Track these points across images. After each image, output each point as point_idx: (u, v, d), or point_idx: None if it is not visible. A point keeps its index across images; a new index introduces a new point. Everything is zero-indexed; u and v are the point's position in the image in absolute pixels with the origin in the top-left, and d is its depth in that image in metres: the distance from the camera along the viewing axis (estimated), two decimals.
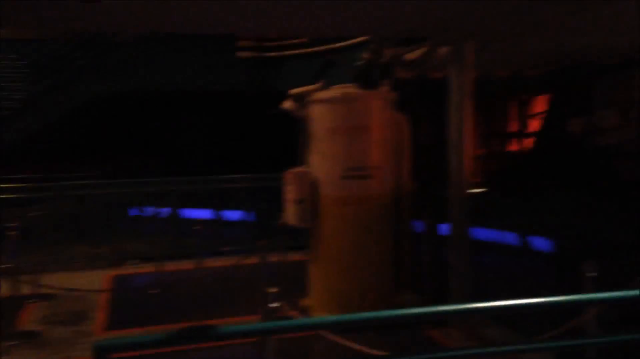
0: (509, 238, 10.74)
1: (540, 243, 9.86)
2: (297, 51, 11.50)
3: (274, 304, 3.39)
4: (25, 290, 7.12)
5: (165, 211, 8.75)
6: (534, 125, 15.35)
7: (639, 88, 10.15)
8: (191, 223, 8.33)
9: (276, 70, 11.83)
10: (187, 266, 8.53)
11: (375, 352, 4.26)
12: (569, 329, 4.51)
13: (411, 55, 7.37)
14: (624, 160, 10.13)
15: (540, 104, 15.26)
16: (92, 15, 4.98)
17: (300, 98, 6.54)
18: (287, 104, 6.53)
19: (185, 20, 5.40)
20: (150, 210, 8.75)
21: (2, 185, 8.43)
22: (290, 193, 6.29)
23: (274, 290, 3.43)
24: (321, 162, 6.31)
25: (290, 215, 6.27)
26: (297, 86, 6.78)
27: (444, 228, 6.91)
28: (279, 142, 11.29)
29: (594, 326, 4.08)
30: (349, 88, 6.42)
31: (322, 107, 6.31)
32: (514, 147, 16.47)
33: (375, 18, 5.45)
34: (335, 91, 6.38)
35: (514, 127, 16.64)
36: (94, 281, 7.90)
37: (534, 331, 4.90)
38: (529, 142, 15.47)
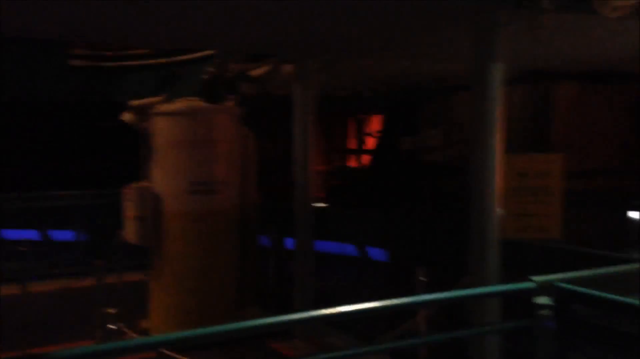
0: (349, 249, 11.22)
1: (377, 253, 10.44)
2: (137, 62, 11.07)
3: (112, 326, 3.22)
4: None
5: None
6: (371, 142, 16.34)
7: (460, 111, 11.27)
8: (15, 244, 7.59)
9: (115, 81, 11.26)
10: (10, 291, 7.74)
11: None
12: (405, 329, 4.83)
13: (256, 72, 7.50)
14: (449, 176, 11.15)
15: (376, 123, 16.30)
16: None
17: (141, 111, 6.31)
18: (127, 116, 6.26)
19: (11, 23, 4.96)
20: None
21: None
22: (130, 209, 6.01)
23: (111, 311, 3.26)
24: (164, 176, 6.13)
25: (131, 232, 6.00)
26: (139, 98, 6.54)
27: (290, 242, 7.08)
28: (118, 156, 10.77)
29: (424, 326, 4.42)
30: (194, 102, 6.34)
31: (166, 120, 6.16)
32: (353, 163, 17.38)
33: (218, 32, 5.45)
34: (179, 104, 6.26)
35: (352, 144, 17.57)
36: None
37: (374, 334, 5.19)
38: (366, 159, 16.43)
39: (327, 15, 4.78)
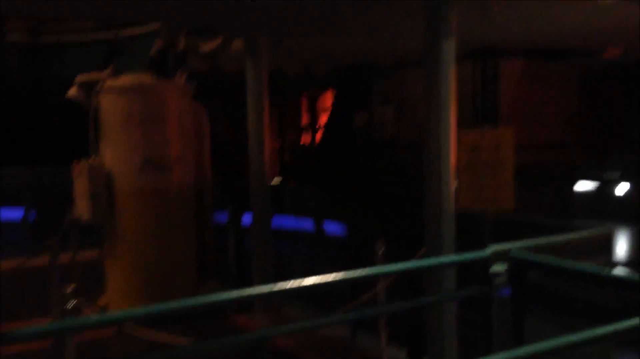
0: (305, 224, 11.27)
1: (333, 228, 10.53)
2: (80, 36, 10.65)
3: (71, 303, 3.15)
4: None
5: None
6: (324, 118, 16.36)
7: (412, 87, 11.39)
8: None
9: (57, 56, 10.81)
10: None
11: (181, 341, 4.20)
12: (364, 301, 4.92)
13: (206, 46, 7.34)
14: (402, 151, 11.31)
15: (329, 100, 16.30)
16: None
17: (88, 86, 6.10)
18: (73, 92, 6.04)
19: None
20: None
21: None
22: (81, 186, 5.84)
23: (68, 288, 3.19)
24: (116, 154, 5.97)
25: (83, 210, 5.84)
26: (80, 73, 6.30)
27: (246, 218, 7.05)
28: (64, 134, 10.39)
29: (383, 298, 4.51)
30: (143, 76, 6.17)
31: (115, 96, 5.98)
32: (306, 139, 17.37)
33: (163, 4, 5.27)
34: (128, 79, 6.08)
35: (305, 120, 17.54)
36: None
37: (334, 307, 5.27)
38: (319, 135, 16.44)
39: None
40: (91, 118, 6.03)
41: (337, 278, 3.21)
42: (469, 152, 4.26)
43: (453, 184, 4.48)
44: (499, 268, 3.24)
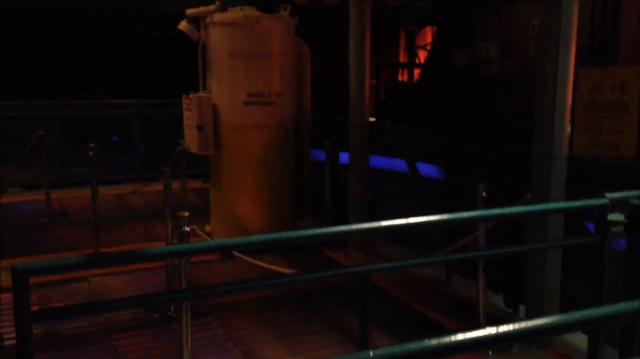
0: (399, 165, 11.15)
1: (428, 170, 10.35)
2: None
3: (187, 228, 3.35)
4: None
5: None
6: (422, 56, 15.86)
7: (517, 23, 10.74)
8: (79, 150, 7.88)
9: None
10: (78, 195, 8.17)
11: (284, 270, 4.39)
12: (462, 245, 4.87)
13: None
14: (505, 90, 10.82)
15: (428, 36, 15.75)
16: None
17: (197, 20, 6.23)
18: (183, 25, 6.19)
19: None
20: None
21: None
22: (189, 119, 6.09)
23: (185, 213, 3.38)
24: (221, 87, 6.13)
25: (191, 141, 6.10)
26: (184, 7, 6.43)
27: (343, 157, 7.09)
28: (171, 67, 10.79)
29: (483, 242, 4.43)
30: (249, 11, 6.20)
31: (221, 30, 6.07)
32: (403, 77, 16.99)
33: None
34: (234, 13, 6.13)
35: (403, 57, 17.09)
36: None
37: (429, 250, 5.27)
38: (417, 73, 16.01)
39: None
40: (199, 52, 6.18)
41: (436, 220, 3.14)
42: (589, 92, 3.99)
43: (568, 127, 4.25)
44: (617, 216, 3.08)
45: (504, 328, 1.57)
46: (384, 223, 2.98)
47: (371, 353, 1.45)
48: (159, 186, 4.86)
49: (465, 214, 3.21)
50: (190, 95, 6.07)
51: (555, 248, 4.23)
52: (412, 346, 1.47)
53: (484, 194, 4.43)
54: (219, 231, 6.37)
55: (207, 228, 6.48)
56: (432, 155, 8.78)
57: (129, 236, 6.74)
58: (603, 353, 3.23)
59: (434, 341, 1.49)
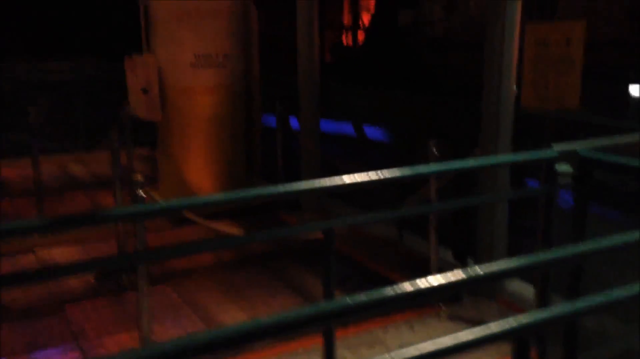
0: (346, 128, 11.17)
1: (375, 132, 10.41)
2: None
3: (140, 192, 3.28)
4: None
5: None
6: (366, 17, 15.81)
7: None
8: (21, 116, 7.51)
9: None
10: (16, 164, 7.82)
11: (236, 231, 4.38)
12: (412, 201, 4.96)
13: None
14: (450, 49, 10.94)
15: None
16: None
17: None
18: None
19: None
20: None
21: None
22: (133, 82, 5.88)
23: (139, 176, 3.30)
24: (168, 49, 5.93)
25: (137, 106, 5.91)
26: None
27: (293, 121, 7.04)
28: (115, 27, 10.32)
29: (435, 197, 4.51)
30: None
31: None
32: (347, 39, 16.91)
33: None
34: None
35: (347, 19, 16.99)
36: None
37: (382, 207, 5.33)
38: (361, 34, 15.97)
39: None
40: (142, 12, 5.94)
41: (388, 176, 3.13)
42: (536, 47, 4.08)
43: (514, 81, 4.34)
44: (564, 167, 3.18)
45: (450, 276, 1.61)
46: (336, 179, 2.94)
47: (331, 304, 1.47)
48: (102, 155, 4.70)
49: (418, 168, 3.24)
50: (134, 57, 5.84)
51: (503, 200, 4.37)
52: (365, 297, 1.48)
53: (435, 151, 4.50)
54: (170, 198, 6.23)
55: (156, 196, 6.33)
56: (381, 116, 8.83)
57: (74, 207, 6.53)
58: (549, 301, 3.38)
59: (389, 291, 1.50)
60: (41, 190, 5.86)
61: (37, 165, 5.73)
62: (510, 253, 4.57)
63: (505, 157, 4.03)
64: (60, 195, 6.93)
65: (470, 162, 3.77)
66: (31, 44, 11.56)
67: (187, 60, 5.88)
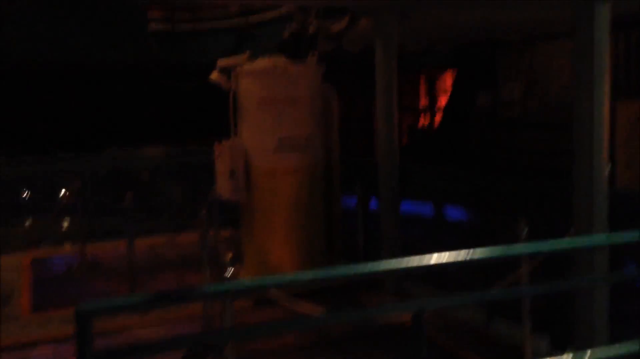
0: (425, 209, 11.02)
1: (454, 213, 10.21)
2: (213, 24, 11.18)
3: (229, 270, 3.34)
4: None
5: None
6: (443, 99, 15.96)
7: (540, 63, 10.80)
8: (115, 200, 7.95)
9: (191, 43, 11.45)
10: (110, 246, 8.20)
11: (318, 311, 4.32)
12: (502, 286, 4.76)
13: (336, 27, 7.40)
14: (530, 130, 10.78)
15: (448, 80, 15.87)
16: None
17: (227, 70, 6.37)
18: (215, 76, 6.34)
19: None
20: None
21: None
22: (222, 166, 6.14)
23: (229, 254, 3.38)
24: (252, 133, 6.21)
25: (223, 188, 6.14)
26: (213, 59, 6.60)
27: (373, 202, 7.07)
28: (202, 116, 10.96)
29: (526, 279, 4.32)
30: (278, 59, 6.34)
31: (251, 79, 6.19)
32: (424, 121, 17.07)
33: None
34: (263, 62, 6.27)
35: (423, 101, 17.23)
36: (11, 263, 7.40)
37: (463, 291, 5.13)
38: (438, 116, 16.09)
39: None
40: (230, 100, 6.30)
41: (477, 256, 3.01)
42: (628, 125, 3.96)
43: (606, 162, 4.20)
44: None
45: None
46: (423, 259, 2.85)
47: None
48: (189, 236, 4.86)
49: (511, 248, 3.13)
50: (222, 143, 6.15)
51: (601, 284, 4.11)
52: None
53: (525, 231, 4.36)
54: (253, 276, 6.31)
55: (241, 275, 6.43)
56: (461, 197, 8.66)
57: (165, 286, 6.68)
58: None
59: None
60: (133, 271, 6.09)
61: (132, 247, 5.99)
62: (612, 341, 4.24)
63: (602, 238, 3.83)
64: (152, 275, 7.15)
65: (565, 243, 3.62)
66: (127, 132, 12.43)
67: (271, 144, 6.11)
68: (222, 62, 6.35)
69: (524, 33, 10.49)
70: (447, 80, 15.83)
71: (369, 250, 7.01)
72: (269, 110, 6.11)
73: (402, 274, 5.56)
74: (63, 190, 7.57)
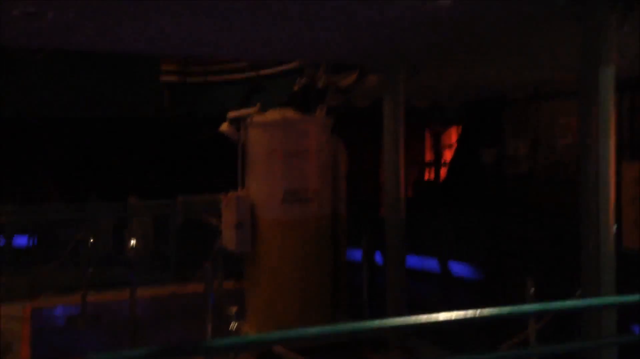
0: (430, 264, 10.94)
1: (461, 268, 10.13)
2: (224, 77, 11.44)
3: (234, 324, 3.31)
4: None
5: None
6: (448, 154, 16.08)
7: (546, 120, 10.93)
8: (116, 252, 7.95)
9: (202, 95, 11.69)
10: (113, 296, 8.12)
11: None
12: (509, 346, 4.68)
13: (345, 82, 7.56)
14: (537, 186, 10.80)
15: (453, 135, 16.04)
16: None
17: (237, 122, 6.48)
18: (225, 127, 6.45)
19: (105, 38, 5.16)
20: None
21: None
22: (228, 217, 6.16)
23: (232, 310, 3.35)
24: (260, 185, 6.25)
25: (229, 240, 6.14)
26: (223, 111, 6.73)
27: (378, 255, 7.04)
28: (213, 167, 11.03)
29: (534, 339, 4.26)
30: (287, 112, 6.45)
31: (261, 130, 6.28)
32: (429, 175, 17.15)
33: (306, 42, 5.51)
34: (273, 114, 6.38)
35: (429, 156, 17.34)
36: (12, 313, 7.33)
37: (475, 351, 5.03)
38: (443, 171, 16.16)
39: (423, 21, 4.75)
40: (239, 151, 6.38)
41: (485, 314, 2.98)
42: (634, 185, 3.97)
43: (613, 221, 4.20)
44: None
45: None
46: (430, 317, 2.83)
47: None
48: (194, 287, 4.83)
49: (518, 308, 3.10)
50: (229, 194, 6.19)
51: (608, 346, 4.04)
52: None
53: (532, 290, 4.32)
54: (258, 331, 6.23)
55: (245, 328, 6.35)
56: (466, 251, 8.60)
57: (167, 338, 6.59)
58: None
59: None
60: (136, 322, 6.02)
61: (134, 297, 5.95)
62: None
63: (610, 299, 3.79)
64: (155, 327, 7.06)
65: (572, 303, 3.59)
66: (134, 184, 12.49)
67: (279, 196, 6.14)
68: (232, 114, 6.47)
69: (530, 91, 10.66)
70: (453, 136, 15.99)
71: (374, 304, 6.93)
72: (277, 162, 6.17)
73: (408, 331, 5.47)
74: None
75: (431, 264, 10.89)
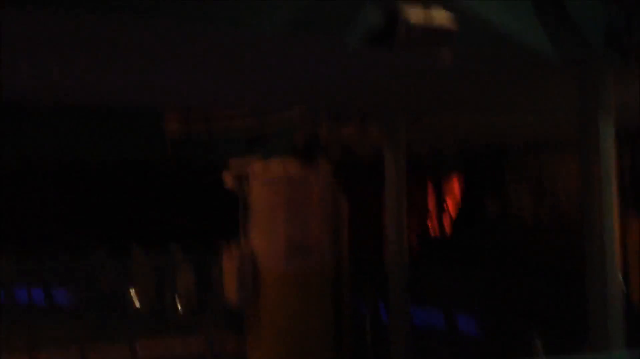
0: (436, 319, 10.57)
1: (467, 323, 9.83)
2: (227, 125, 11.47)
3: None
4: None
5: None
6: (450, 204, 16.00)
7: (550, 168, 10.92)
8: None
9: (204, 143, 11.69)
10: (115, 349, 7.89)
11: None
12: None
13: (345, 132, 7.59)
14: (540, 236, 10.69)
15: (455, 184, 16.00)
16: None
17: (239, 175, 6.48)
18: (227, 179, 6.45)
19: (107, 92, 5.23)
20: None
21: None
22: (229, 271, 6.08)
23: None
24: (262, 237, 6.19)
25: (230, 292, 6.05)
26: (228, 160, 6.73)
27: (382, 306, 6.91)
28: (214, 217, 10.95)
29: None
30: (289, 164, 6.44)
31: (262, 185, 6.28)
32: (433, 224, 17.00)
33: (307, 90, 5.55)
34: (274, 168, 6.37)
35: (430, 205, 17.24)
36: None
37: None
38: (446, 221, 16.04)
39: (424, 73, 4.78)
40: (240, 203, 6.35)
41: None
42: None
43: (619, 274, 4.13)
44: None
45: None
46: None
47: None
48: (195, 339, 4.71)
49: None
50: (231, 248, 6.12)
51: None
52: None
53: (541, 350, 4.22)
54: None
55: None
56: (473, 305, 8.41)
57: None
58: None
59: None
60: None
61: (134, 349, 5.81)
62: None
63: (621, 355, 3.69)
64: None
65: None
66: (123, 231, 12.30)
67: (281, 248, 6.08)
68: (234, 165, 6.47)
69: (531, 140, 10.70)
70: (456, 185, 15.96)
71: (379, 354, 6.77)
72: (278, 214, 6.14)
73: None
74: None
75: (437, 318, 10.60)
